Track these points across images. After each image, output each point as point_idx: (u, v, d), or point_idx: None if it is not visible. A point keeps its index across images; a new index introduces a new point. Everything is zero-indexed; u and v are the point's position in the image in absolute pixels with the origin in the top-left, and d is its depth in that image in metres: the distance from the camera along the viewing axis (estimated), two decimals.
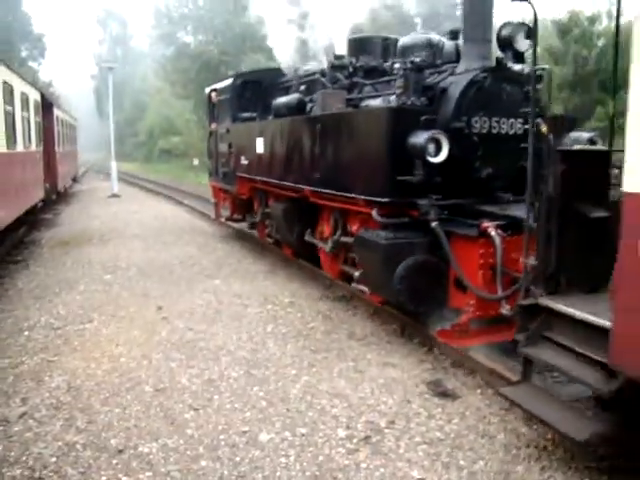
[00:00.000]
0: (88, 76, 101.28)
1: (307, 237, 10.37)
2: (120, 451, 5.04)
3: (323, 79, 10.58)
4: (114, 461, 4.91)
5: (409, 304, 7.12)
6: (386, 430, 5.36)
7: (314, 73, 11.07)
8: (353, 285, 8.84)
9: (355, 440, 5.19)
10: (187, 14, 47.35)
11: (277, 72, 14.01)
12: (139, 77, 79.34)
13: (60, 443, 5.18)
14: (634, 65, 3.95)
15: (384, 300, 8.10)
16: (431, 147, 6.89)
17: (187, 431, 5.36)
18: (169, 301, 9.40)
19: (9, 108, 12.43)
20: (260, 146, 11.76)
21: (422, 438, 5.22)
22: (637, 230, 3.96)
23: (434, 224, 6.84)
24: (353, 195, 7.96)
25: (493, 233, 6.33)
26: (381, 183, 7.37)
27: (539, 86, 7.51)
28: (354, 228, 8.52)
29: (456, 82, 7.49)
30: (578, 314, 4.71)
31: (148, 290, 10.10)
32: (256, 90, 13.74)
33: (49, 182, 20.46)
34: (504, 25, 6.87)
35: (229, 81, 14.41)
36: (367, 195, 7.61)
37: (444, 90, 7.56)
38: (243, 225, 15.46)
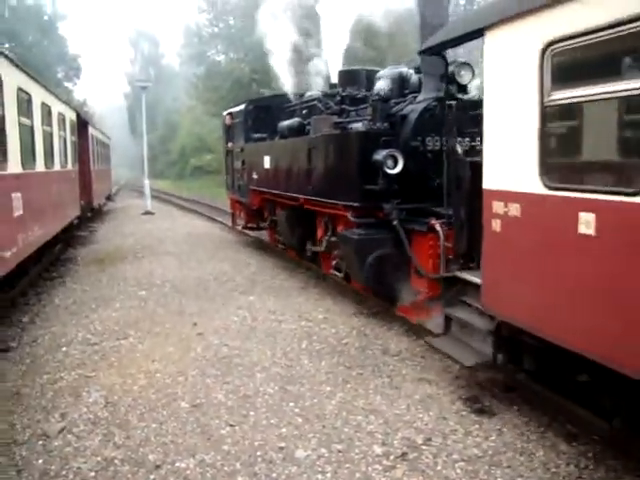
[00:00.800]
0: (120, 94, 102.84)
1: (308, 246, 12.29)
2: (158, 466, 5.08)
3: (319, 105, 12.39)
4: (152, 476, 4.95)
5: (377, 287, 9.03)
6: (423, 447, 5.33)
7: (313, 99, 12.92)
8: (331, 271, 10.95)
9: (392, 457, 5.17)
10: (217, 33, 47.83)
11: (284, 98, 15.55)
12: (171, 96, 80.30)
13: (99, 458, 5.24)
14: (485, 100, 6.04)
15: (364, 287, 9.60)
16: (389, 162, 8.64)
17: (224, 447, 5.39)
18: (204, 317, 9.46)
19: (47, 128, 12.67)
20: (267, 163, 13.82)
21: (459, 455, 5.18)
22: (489, 215, 5.89)
23: (395, 222, 8.54)
24: (334, 201, 9.85)
25: (438, 228, 7.65)
26: (353, 191, 9.22)
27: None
28: (339, 229, 10.19)
29: (413, 110, 9.11)
30: (474, 279, 6.54)
31: (183, 307, 10.19)
32: (266, 114, 15.56)
33: (84, 200, 20.75)
34: (450, 63, 7.87)
35: (242, 106, 16.45)
36: (344, 201, 9.48)
37: (404, 116, 9.21)
38: (257, 233, 17.61)
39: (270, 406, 6.21)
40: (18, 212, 9.40)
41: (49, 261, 14.47)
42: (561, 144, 5.47)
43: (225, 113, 18.92)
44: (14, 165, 9.27)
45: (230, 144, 18.32)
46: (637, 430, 4.80)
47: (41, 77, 13.05)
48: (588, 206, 4.69)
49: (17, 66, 9.94)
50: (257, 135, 15.60)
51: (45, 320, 9.70)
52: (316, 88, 14.52)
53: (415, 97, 9.48)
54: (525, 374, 6.23)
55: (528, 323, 5.53)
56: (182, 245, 17.17)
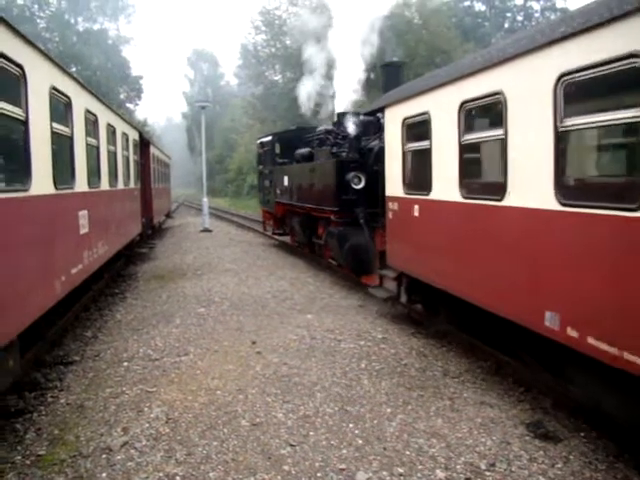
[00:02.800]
0: (179, 113, 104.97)
1: (313, 239, 16.95)
2: None
3: (324, 138, 16.18)
4: None
5: (352, 265, 13.06)
6: (487, 473, 5.21)
7: (322, 133, 16.77)
8: (329, 260, 15.51)
9: None
10: (274, 53, 48.37)
11: (303, 130, 19.70)
12: (228, 115, 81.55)
13: (161, 474, 5.27)
14: (385, 146, 10.66)
15: (347, 268, 13.57)
16: (355, 180, 13.04)
17: (284, 467, 5.36)
18: (263, 335, 9.50)
19: (112, 148, 12.99)
20: (287, 181, 18.54)
21: None
22: (388, 209, 10.22)
23: (362, 221, 12.74)
24: (325, 208, 14.39)
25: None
26: (334, 200, 13.62)
27: None
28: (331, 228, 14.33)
29: (376, 145, 13.05)
30: None
31: (242, 324, 10.25)
32: (288, 143, 19.86)
33: (145, 217, 21.13)
34: None
35: (270, 137, 21.54)
36: (330, 207, 13.97)
37: (370, 149, 13.43)
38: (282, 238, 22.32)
39: (330, 427, 6.17)
40: (84, 230, 9.63)
41: (110, 277, 14.77)
42: (408, 170, 9.78)
43: (257, 142, 24.43)
44: (81, 184, 9.52)
45: (261, 167, 23.54)
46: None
47: (105, 98, 13.39)
48: (416, 202, 9.21)
49: (85, 88, 10.23)
50: (281, 160, 20.23)
51: (107, 335, 9.90)
52: (325, 123, 18.82)
53: (380, 136, 12.50)
54: (421, 306, 10.22)
55: (406, 268, 9.87)
56: (240, 263, 17.32)
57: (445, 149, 8.07)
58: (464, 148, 7.59)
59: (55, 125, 8.04)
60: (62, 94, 8.58)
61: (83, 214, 9.61)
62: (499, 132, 6.69)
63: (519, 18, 60.12)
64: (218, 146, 78.40)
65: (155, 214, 24.72)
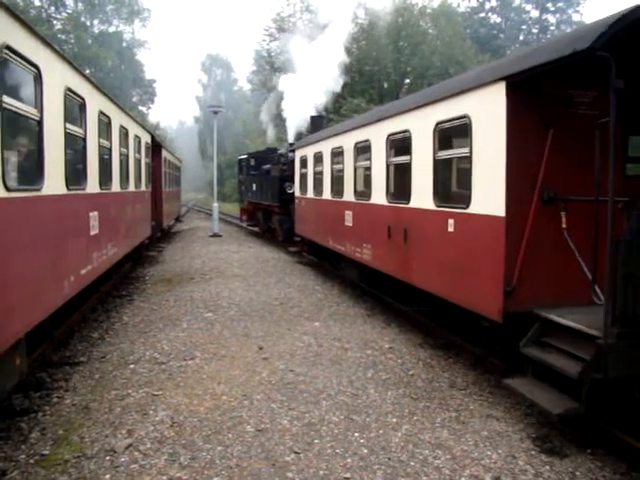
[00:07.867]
0: (191, 117, 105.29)
1: (270, 226, 26.00)
2: None
3: (280, 158, 23.98)
4: None
5: (287, 239, 22.73)
6: None
7: (278, 155, 24.67)
8: (279, 239, 24.62)
9: None
10: (289, 59, 48.38)
11: (269, 150, 28.75)
12: (240, 120, 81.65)
13: (165, 477, 5.26)
14: (295, 170, 20.87)
15: (284, 239, 23.35)
16: (289, 187, 21.70)
17: (288, 474, 5.33)
18: (269, 342, 9.49)
19: (124, 150, 13.00)
20: (254, 187, 27.64)
21: None
22: (296, 203, 20.15)
23: (291, 212, 21.32)
24: (273, 203, 23.80)
25: None
26: (278, 199, 22.94)
27: None
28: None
29: None
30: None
31: (249, 330, 10.24)
32: (259, 160, 28.64)
33: (155, 220, 21.13)
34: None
35: (246, 155, 31.56)
36: (275, 203, 23.42)
37: None
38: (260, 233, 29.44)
39: (335, 435, 6.14)
40: (94, 231, 9.64)
41: (118, 279, 14.78)
42: (301, 184, 19.09)
43: (237, 159, 35.47)
44: (92, 185, 9.54)
45: (240, 177, 32.80)
46: None
47: (118, 100, 13.41)
48: (303, 199, 18.83)
49: (99, 90, 10.26)
50: (252, 172, 28.79)
51: (114, 337, 9.90)
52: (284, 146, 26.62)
53: None
54: (315, 257, 19.12)
55: (303, 234, 19.41)
56: (249, 268, 17.34)
57: (311, 175, 17.10)
58: (315, 173, 16.61)
59: (69, 126, 8.06)
60: (76, 95, 8.61)
61: (94, 215, 9.63)
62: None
63: (534, 30, 60.07)
64: (229, 151, 78.49)
65: (165, 217, 24.76)
